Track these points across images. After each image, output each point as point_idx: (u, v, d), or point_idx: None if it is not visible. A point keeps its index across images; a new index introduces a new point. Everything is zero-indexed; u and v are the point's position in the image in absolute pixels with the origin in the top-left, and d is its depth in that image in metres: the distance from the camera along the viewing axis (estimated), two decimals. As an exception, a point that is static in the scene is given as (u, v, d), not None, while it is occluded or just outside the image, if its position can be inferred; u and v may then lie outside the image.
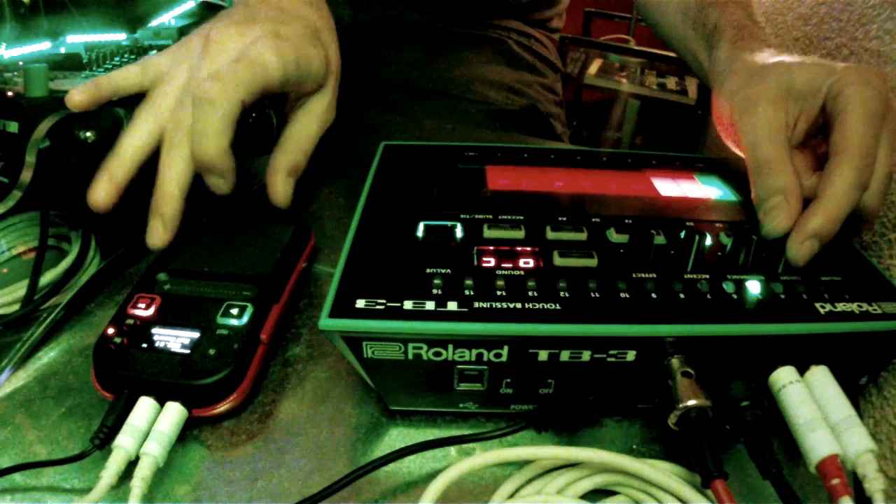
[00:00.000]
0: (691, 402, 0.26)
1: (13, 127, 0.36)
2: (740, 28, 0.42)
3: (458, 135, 0.64)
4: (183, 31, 1.10)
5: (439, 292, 0.29)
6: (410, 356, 0.28)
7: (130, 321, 0.32)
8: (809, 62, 0.34)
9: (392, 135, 0.63)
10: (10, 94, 0.37)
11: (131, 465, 0.28)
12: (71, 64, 0.78)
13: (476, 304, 0.28)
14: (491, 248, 0.32)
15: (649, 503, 0.27)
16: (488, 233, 0.33)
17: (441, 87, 0.77)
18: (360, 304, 0.28)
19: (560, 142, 0.81)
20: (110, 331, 0.32)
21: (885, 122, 0.31)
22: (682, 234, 0.31)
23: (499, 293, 0.29)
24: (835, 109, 0.32)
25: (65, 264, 0.40)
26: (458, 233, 0.33)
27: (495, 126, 0.75)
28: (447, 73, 0.78)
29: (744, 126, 0.34)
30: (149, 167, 0.38)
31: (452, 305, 0.28)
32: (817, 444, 0.25)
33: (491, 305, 0.28)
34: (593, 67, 1.78)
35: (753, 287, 0.29)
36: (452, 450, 0.31)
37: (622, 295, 0.29)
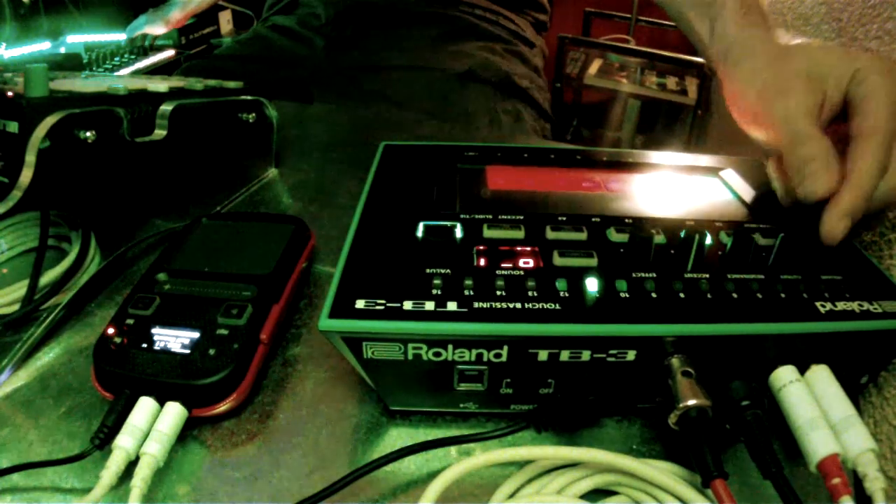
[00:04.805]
0: (691, 402, 0.26)
1: (13, 127, 0.36)
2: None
3: (458, 134, 0.64)
4: (182, 32, 1.10)
5: (439, 292, 0.29)
6: (410, 356, 0.28)
7: (130, 321, 0.32)
8: (829, 47, 0.35)
9: (392, 134, 0.63)
10: (10, 94, 0.37)
11: (131, 465, 0.28)
12: (71, 64, 0.78)
13: (476, 305, 0.28)
14: (491, 248, 0.32)
15: (649, 503, 0.27)
16: (488, 233, 0.33)
17: (401, 64, 0.80)
18: (360, 304, 0.28)
19: (538, 107, 0.82)
20: (110, 331, 0.32)
21: None
22: (683, 234, 0.31)
23: (498, 293, 0.29)
24: (857, 95, 0.32)
25: (65, 264, 0.40)
26: (458, 233, 0.33)
27: (460, 89, 0.77)
28: (407, 50, 0.81)
29: (777, 105, 0.34)
30: (149, 167, 0.38)
31: (452, 306, 0.28)
32: (818, 444, 0.25)
33: (491, 305, 0.28)
34: (593, 67, 1.78)
35: (753, 286, 0.29)
36: (452, 450, 0.31)
37: (622, 295, 0.29)
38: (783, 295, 0.29)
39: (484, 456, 0.27)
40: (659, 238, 0.31)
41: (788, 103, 0.34)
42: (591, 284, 0.29)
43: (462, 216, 0.34)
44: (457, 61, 0.79)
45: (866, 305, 0.29)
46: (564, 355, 0.28)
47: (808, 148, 0.32)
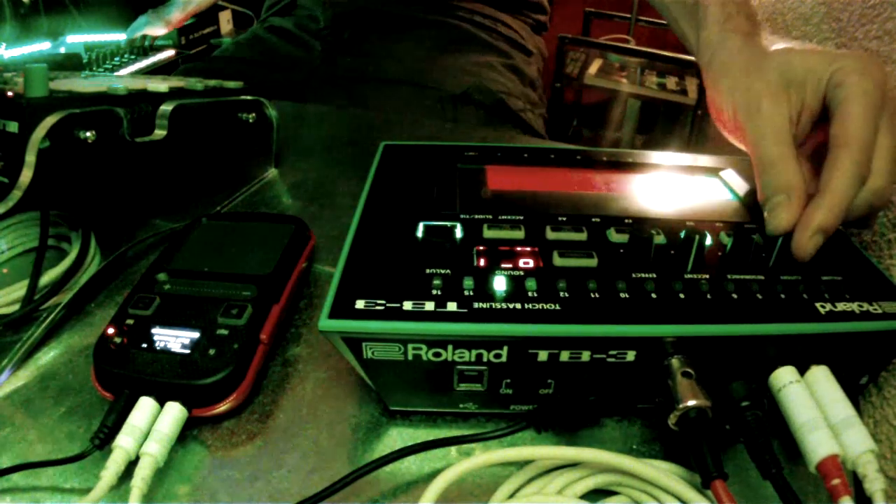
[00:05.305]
0: (691, 403, 0.26)
1: (13, 127, 0.36)
2: (724, 3, 0.40)
3: (458, 134, 0.64)
4: (182, 32, 1.10)
5: (439, 293, 0.29)
6: (410, 357, 0.28)
7: (130, 321, 0.33)
8: (807, 49, 0.34)
9: (392, 134, 0.63)
10: (10, 94, 0.37)
11: (131, 465, 0.28)
12: (71, 64, 0.78)
13: (476, 305, 0.28)
14: (491, 248, 0.32)
15: (649, 503, 0.27)
16: (488, 233, 0.33)
17: (397, 76, 0.79)
18: (360, 304, 0.28)
19: (531, 130, 0.81)
20: (110, 331, 0.32)
21: (884, 110, 0.31)
22: (683, 234, 0.31)
23: (498, 293, 0.29)
24: (835, 99, 0.31)
25: (65, 264, 0.40)
26: (458, 233, 0.33)
27: (453, 111, 0.76)
28: (404, 61, 0.80)
29: (748, 126, 0.34)
30: (149, 167, 0.38)
31: (452, 306, 0.28)
32: (817, 444, 0.25)
33: (490, 306, 0.28)
34: (593, 67, 1.78)
35: (753, 287, 0.29)
36: (452, 450, 0.31)
37: (622, 295, 0.29)
38: (783, 296, 0.29)
39: (484, 456, 0.27)
40: (659, 238, 0.31)
41: (757, 124, 0.33)
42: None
43: (462, 216, 0.34)
44: (453, 79, 0.78)
45: (866, 306, 0.28)
46: (564, 356, 0.28)
47: (776, 176, 0.31)
